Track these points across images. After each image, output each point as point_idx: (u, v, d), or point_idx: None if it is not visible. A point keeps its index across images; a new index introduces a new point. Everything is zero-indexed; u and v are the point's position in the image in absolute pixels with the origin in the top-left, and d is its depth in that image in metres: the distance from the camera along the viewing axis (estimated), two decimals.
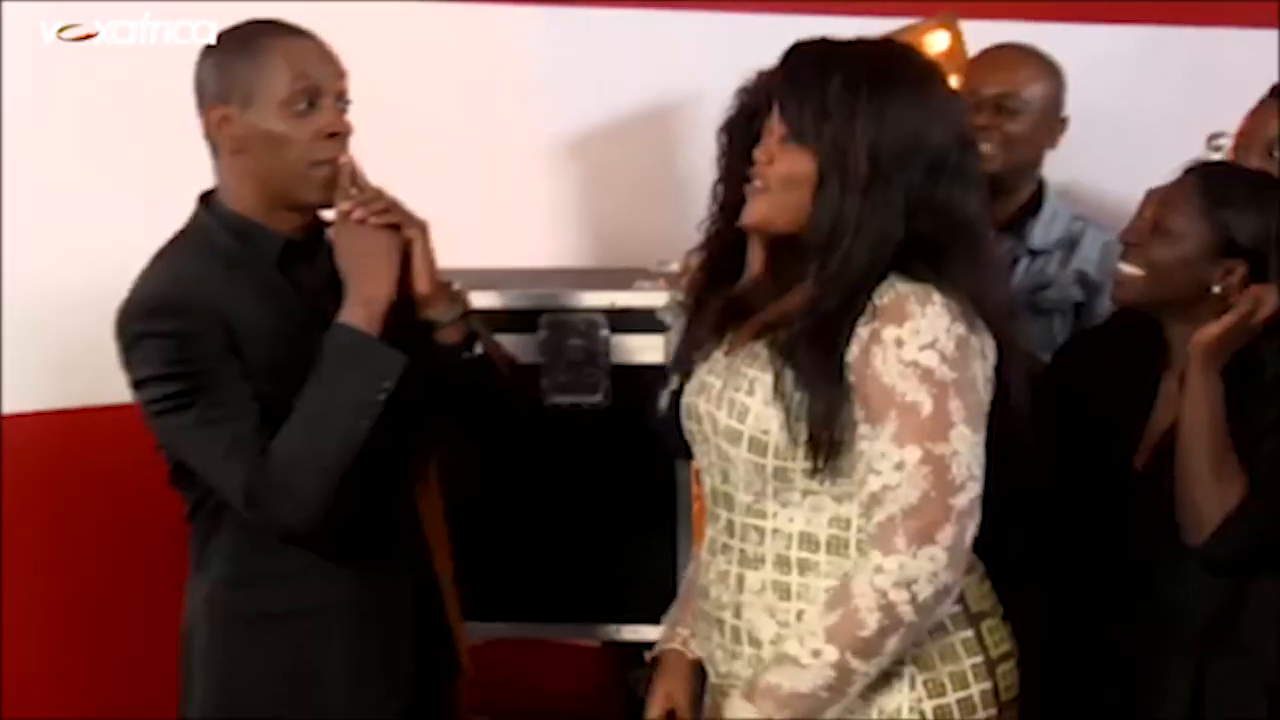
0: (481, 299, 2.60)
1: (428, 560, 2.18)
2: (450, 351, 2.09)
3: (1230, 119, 2.64)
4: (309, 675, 2.05)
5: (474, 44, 3.21)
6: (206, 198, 2.07)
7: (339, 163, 2.00)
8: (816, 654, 1.77)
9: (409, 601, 2.13)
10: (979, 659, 1.87)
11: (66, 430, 2.93)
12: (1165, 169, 2.30)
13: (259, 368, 1.96)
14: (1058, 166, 2.78)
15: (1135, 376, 2.25)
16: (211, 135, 2.01)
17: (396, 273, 1.99)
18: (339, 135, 2.00)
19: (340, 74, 2.02)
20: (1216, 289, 2.15)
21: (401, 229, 2.00)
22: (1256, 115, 2.64)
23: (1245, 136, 2.58)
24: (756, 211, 1.88)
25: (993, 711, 1.87)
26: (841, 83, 1.79)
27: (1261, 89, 2.64)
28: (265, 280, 2.01)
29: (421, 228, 2.02)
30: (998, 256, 1.97)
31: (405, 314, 2.03)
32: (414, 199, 2.07)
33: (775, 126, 1.85)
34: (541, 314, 2.64)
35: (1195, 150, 2.49)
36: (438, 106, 3.13)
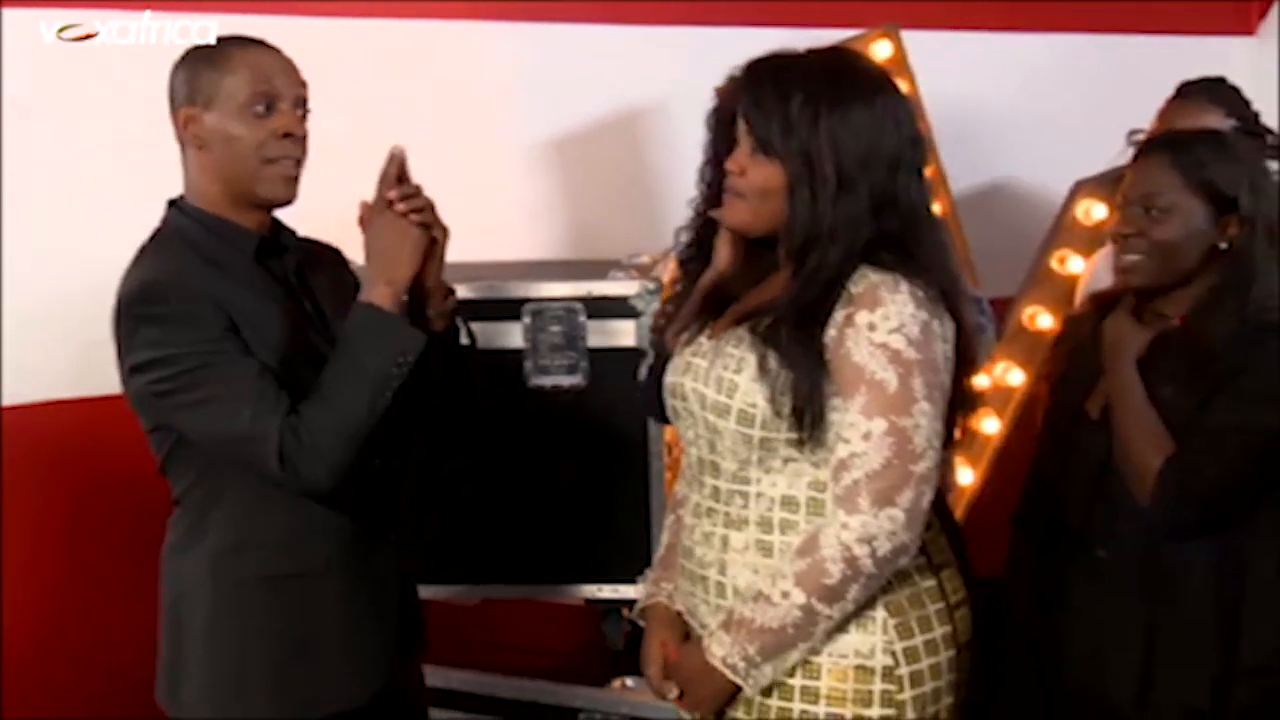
0: (471, 290, 2.70)
1: (403, 525, 2.27)
2: (442, 337, 2.21)
3: (1144, 119, 2.82)
4: (311, 636, 2.13)
5: (462, 58, 3.30)
6: (174, 202, 2.17)
7: (392, 151, 2.09)
8: (785, 595, 1.91)
9: (393, 560, 2.23)
10: (940, 605, 2.01)
11: (66, 421, 2.94)
12: (1086, 164, 2.45)
13: (260, 348, 2.05)
14: (990, 166, 2.92)
15: (1098, 333, 2.32)
16: (180, 135, 2.14)
17: (419, 265, 2.10)
18: (293, 136, 2.11)
19: (300, 83, 2.14)
20: (1224, 245, 2.20)
21: (430, 229, 2.11)
22: (1166, 114, 2.82)
23: (1156, 134, 2.67)
24: (737, 216, 2.01)
25: (952, 653, 2.02)
26: (803, 99, 1.92)
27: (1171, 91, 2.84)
28: (245, 273, 2.12)
29: (446, 231, 2.14)
30: (948, 239, 2.10)
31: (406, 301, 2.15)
32: None
33: (744, 139, 1.98)
34: (525, 303, 2.76)
35: (1111, 147, 2.65)
36: (430, 115, 3.20)
